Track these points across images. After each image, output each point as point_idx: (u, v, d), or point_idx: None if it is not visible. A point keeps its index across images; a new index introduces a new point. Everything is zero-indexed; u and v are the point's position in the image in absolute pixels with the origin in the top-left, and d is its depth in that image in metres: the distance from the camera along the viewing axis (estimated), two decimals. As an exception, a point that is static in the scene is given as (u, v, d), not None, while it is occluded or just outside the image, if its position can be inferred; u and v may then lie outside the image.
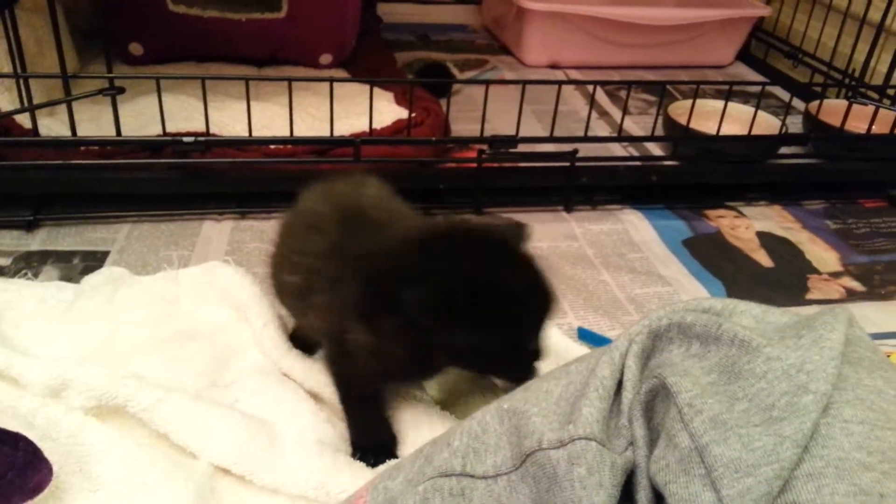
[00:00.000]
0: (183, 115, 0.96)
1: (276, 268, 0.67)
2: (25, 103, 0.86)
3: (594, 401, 0.42)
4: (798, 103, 1.26)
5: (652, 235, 1.00)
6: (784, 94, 1.43)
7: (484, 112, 0.97)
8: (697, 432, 0.38)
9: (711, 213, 1.07)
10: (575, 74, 1.49)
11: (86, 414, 0.59)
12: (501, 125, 1.02)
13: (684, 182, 1.09)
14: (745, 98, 1.28)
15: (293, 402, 0.63)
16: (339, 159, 0.95)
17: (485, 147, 0.98)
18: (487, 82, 0.98)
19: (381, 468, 0.58)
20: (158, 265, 0.83)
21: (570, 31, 1.46)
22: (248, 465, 0.56)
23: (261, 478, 0.56)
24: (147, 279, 0.78)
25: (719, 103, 1.07)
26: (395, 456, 0.60)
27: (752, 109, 1.08)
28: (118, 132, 0.89)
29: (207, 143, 0.89)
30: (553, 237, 0.98)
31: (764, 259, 0.97)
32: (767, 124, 1.13)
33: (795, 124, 1.24)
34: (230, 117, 0.97)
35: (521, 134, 0.98)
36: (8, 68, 0.87)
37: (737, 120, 1.12)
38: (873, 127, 1.11)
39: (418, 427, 0.62)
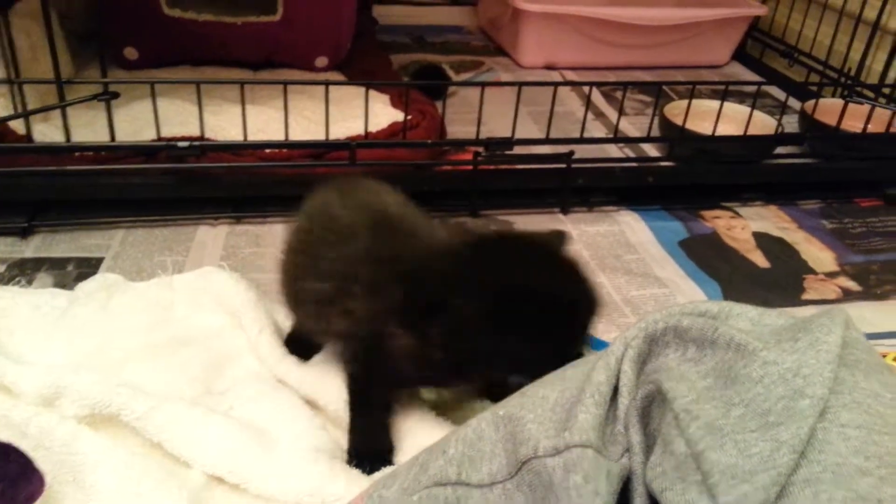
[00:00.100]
0: (178, 120, 0.96)
1: (292, 274, 0.66)
2: (20, 109, 0.86)
3: (590, 407, 0.42)
4: (794, 102, 1.26)
5: (648, 237, 1.00)
6: (780, 94, 1.44)
7: (480, 114, 0.96)
8: (693, 438, 0.38)
9: (707, 213, 1.07)
10: (571, 75, 1.49)
11: (79, 423, 0.58)
12: (497, 127, 1.02)
13: (680, 183, 1.09)
14: (741, 98, 1.28)
15: (288, 409, 0.62)
16: (335, 163, 0.95)
17: (481, 149, 0.97)
18: (483, 84, 0.98)
19: (377, 476, 0.57)
20: (153, 271, 0.83)
21: (566, 32, 1.46)
22: (242, 473, 0.56)
23: (255, 486, 0.55)
24: (141, 285, 0.78)
25: (715, 103, 1.07)
26: (391, 463, 0.60)
27: (749, 109, 1.08)
28: (112, 137, 0.88)
29: (202, 147, 0.89)
30: (549, 239, 0.98)
31: (760, 259, 0.97)
32: (763, 124, 1.12)
33: (791, 124, 1.24)
34: (225, 121, 0.97)
35: (517, 136, 0.97)
36: (2, 74, 0.87)
37: (733, 120, 1.11)
38: (869, 126, 1.10)
39: (415, 434, 0.61)
